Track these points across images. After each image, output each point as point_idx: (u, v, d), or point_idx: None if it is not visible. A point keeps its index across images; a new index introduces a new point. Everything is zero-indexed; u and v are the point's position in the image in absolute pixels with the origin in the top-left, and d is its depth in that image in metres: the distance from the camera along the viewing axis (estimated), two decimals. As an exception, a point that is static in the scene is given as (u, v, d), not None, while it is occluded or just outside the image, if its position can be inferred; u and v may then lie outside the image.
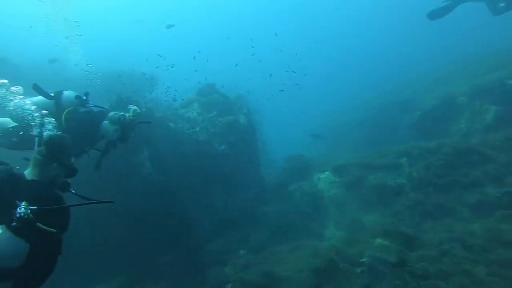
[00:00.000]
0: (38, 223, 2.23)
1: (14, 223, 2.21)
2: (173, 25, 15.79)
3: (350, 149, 12.73)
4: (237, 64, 15.49)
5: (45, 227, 2.25)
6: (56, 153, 2.58)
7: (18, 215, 2.23)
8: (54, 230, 2.27)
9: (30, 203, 2.26)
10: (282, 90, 14.92)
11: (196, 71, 12.75)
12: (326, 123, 18.51)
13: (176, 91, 10.71)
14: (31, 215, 2.22)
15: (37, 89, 4.70)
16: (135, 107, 5.09)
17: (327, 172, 9.90)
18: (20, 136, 4.52)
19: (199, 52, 14.96)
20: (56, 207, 2.34)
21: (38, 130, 4.37)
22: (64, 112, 4.57)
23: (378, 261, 5.92)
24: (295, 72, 16.49)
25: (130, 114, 4.95)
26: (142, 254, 6.79)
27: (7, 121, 4.82)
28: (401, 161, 8.94)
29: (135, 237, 6.72)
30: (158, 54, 13.57)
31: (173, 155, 8.39)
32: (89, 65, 7.61)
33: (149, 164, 7.66)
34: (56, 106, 4.62)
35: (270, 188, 10.09)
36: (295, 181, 9.89)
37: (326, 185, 9.45)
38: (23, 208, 2.25)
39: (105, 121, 4.91)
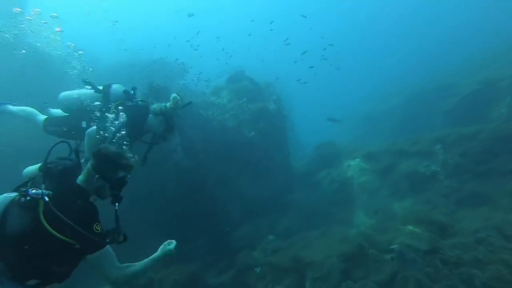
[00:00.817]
0: (42, 218, 2.35)
1: (23, 198, 2.42)
2: (193, 14, 15.90)
3: (382, 136, 12.40)
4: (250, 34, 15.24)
5: (46, 224, 2.34)
6: (100, 165, 2.65)
7: (31, 192, 2.43)
8: (54, 232, 2.33)
9: (62, 203, 2.41)
10: (306, 80, 14.70)
11: (226, 63, 12.78)
12: (359, 110, 18.10)
13: (206, 81, 10.84)
14: (41, 200, 2.39)
15: (87, 83, 4.92)
16: (175, 94, 5.10)
17: (357, 159, 9.74)
18: (70, 126, 4.81)
19: (218, 38, 14.96)
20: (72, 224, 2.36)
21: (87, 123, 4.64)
22: (112, 107, 4.66)
23: (408, 248, 5.81)
24: (326, 60, 16.20)
25: (170, 102, 4.97)
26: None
27: (59, 112, 5.14)
28: (435, 148, 8.62)
29: (167, 222, 6.98)
30: (187, 41, 13.81)
31: (203, 142, 8.56)
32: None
33: (181, 150, 7.87)
34: (104, 100, 4.75)
35: (298, 175, 10.10)
36: (324, 168, 9.81)
37: (356, 172, 9.31)
38: (39, 190, 2.44)
39: (150, 115, 4.92)
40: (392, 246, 6.10)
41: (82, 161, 3.27)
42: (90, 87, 4.90)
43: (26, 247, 2.37)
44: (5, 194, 2.53)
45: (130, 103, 4.79)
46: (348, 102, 21.74)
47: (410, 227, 6.61)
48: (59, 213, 2.35)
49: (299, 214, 8.14)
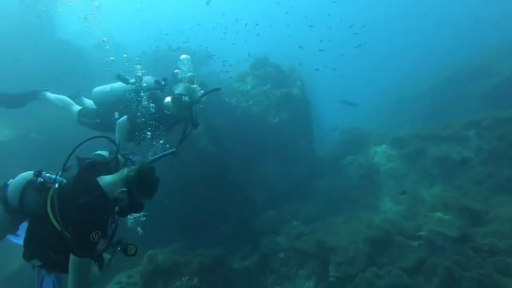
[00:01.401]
0: (49, 202, 2.43)
1: (39, 179, 2.53)
2: (210, 1, 15.76)
3: (411, 122, 11.99)
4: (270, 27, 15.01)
5: (51, 213, 2.41)
6: (135, 182, 2.59)
7: (44, 175, 2.56)
8: (53, 220, 2.39)
9: (72, 194, 2.46)
10: (334, 66, 14.37)
11: (249, 52, 12.66)
12: (388, 95, 17.55)
13: (230, 65, 10.83)
14: (53, 186, 2.47)
15: (120, 78, 4.96)
16: (190, 73, 4.99)
17: (384, 145, 9.48)
18: (103, 118, 4.94)
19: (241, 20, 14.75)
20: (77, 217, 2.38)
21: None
22: (144, 98, 4.69)
23: (437, 235, 5.65)
24: (361, 45, 15.77)
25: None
26: (198, 223, 7.18)
27: (91, 103, 5.29)
28: (469, 132, 8.23)
29: (192, 207, 7.11)
30: (216, 23, 13.80)
31: (227, 128, 8.61)
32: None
33: (205, 137, 7.95)
34: (136, 92, 4.78)
35: (323, 161, 9.97)
36: (350, 155, 9.61)
37: (383, 158, 9.07)
38: (53, 176, 2.57)
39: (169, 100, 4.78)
40: (420, 233, 5.95)
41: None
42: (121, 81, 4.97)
43: (33, 225, 2.54)
44: (28, 172, 2.64)
45: (161, 94, 4.77)
46: (377, 88, 21.12)
47: (439, 214, 6.41)
48: (61, 204, 2.42)
49: (324, 200, 8.07)
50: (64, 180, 2.55)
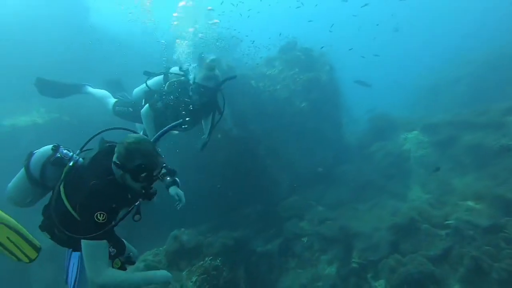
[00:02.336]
0: (62, 179, 2.47)
1: (56, 155, 2.60)
2: None
3: (445, 108, 11.45)
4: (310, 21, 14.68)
5: (63, 190, 2.44)
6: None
7: (61, 150, 2.61)
8: (63, 197, 2.42)
9: (84, 175, 2.44)
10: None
11: (280, 34, 12.44)
12: (423, 80, 16.79)
13: (257, 47, 10.76)
14: (69, 162, 2.51)
15: (147, 74, 5.08)
16: (213, 56, 4.95)
17: (415, 132, 9.14)
18: (135, 107, 5.04)
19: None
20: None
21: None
22: (166, 84, 4.73)
23: (466, 224, 5.45)
24: (398, 31, 15.17)
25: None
26: (223, 205, 7.31)
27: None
28: (508, 119, 7.76)
29: (217, 189, 7.24)
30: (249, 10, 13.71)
31: (253, 112, 8.62)
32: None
33: (230, 120, 8.02)
34: (164, 82, 4.85)
35: (350, 147, 9.79)
36: (378, 141, 9.35)
37: (413, 145, 8.76)
38: (70, 153, 2.60)
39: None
40: (448, 222, 5.76)
41: None
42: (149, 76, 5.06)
43: (50, 199, 2.59)
44: (49, 146, 2.71)
45: (184, 79, 4.75)
46: (412, 73, 20.24)
47: (470, 203, 6.16)
48: (73, 182, 2.44)
49: (350, 186, 7.95)
50: (81, 160, 2.56)
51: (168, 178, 3.40)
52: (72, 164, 2.52)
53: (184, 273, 5.26)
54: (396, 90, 18.50)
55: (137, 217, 2.72)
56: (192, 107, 4.64)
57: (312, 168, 8.61)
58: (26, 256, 2.88)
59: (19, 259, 2.85)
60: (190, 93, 4.58)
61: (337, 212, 7.01)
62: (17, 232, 2.83)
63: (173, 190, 3.39)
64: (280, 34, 11.97)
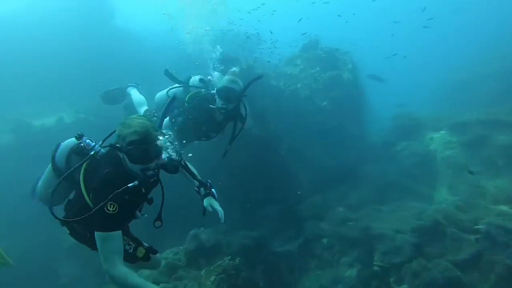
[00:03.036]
0: (83, 168, 2.48)
1: (80, 144, 2.63)
2: None
3: (474, 106, 10.95)
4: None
5: (82, 180, 2.45)
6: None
7: (84, 139, 2.63)
8: (82, 186, 2.43)
9: (101, 164, 2.45)
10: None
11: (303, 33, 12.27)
12: (451, 77, 16.14)
13: (276, 47, 10.68)
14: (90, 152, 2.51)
15: (167, 74, 4.92)
16: (234, 68, 4.63)
17: (442, 131, 8.78)
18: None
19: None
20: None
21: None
22: (187, 97, 4.51)
23: (498, 230, 5.16)
24: (427, 27, 14.67)
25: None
26: (243, 205, 7.28)
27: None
28: (544, 118, 7.34)
29: (237, 189, 7.22)
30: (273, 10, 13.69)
31: (274, 111, 8.55)
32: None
33: (250, 119, 7.97)
34: (184, 92, 4.67)
35: (374, 146, 9.53)
36: (403, 140, 9.06)
37: (440, 145, 8.42)
38: (93, 143, 2.62)
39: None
40: (478, 226, 5.48)
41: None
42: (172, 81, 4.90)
43: (74, 193, 2.62)
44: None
45: (204, 91, 4.51)
46: (439, 69, 19.49)
47: (503, 207, 5.87)
48: (90, 172, 2.45)
49: (373, 187, 7.74)
50: (102, 150, 2.55)
51: (202, 189, 3.12)
52: (94, 153, 2.51)
53: (203, 272, 5.26)
54: (423, 87, 17.90)
55: (157, 223, 2.76)
56: (213, 120, 4.45)
57: (334, 167, 8.45)
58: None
59: None
60: (216, 102, 4.30)
61: (359, 213, 6.83)
62: None
63: (206, 201, 3.07)
64: (303, 34, 11.82)
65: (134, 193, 2.40)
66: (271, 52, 11.25)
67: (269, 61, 10.64)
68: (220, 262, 5.41)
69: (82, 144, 2.64)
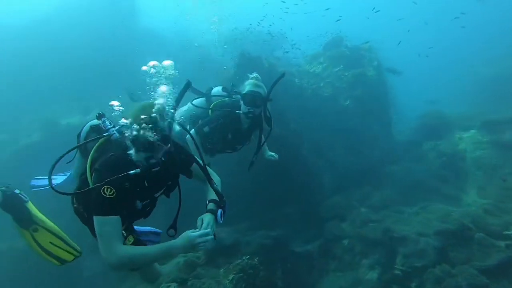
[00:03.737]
0: (94, 149, 2.46)
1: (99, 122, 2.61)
2: None
3: (508, 104, 10.40)
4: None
5: (90, 156, 2.43)
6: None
7: (103, 120, 2.58)
8: (88, 167, 2.39)
9: (109, 147, 2.41)
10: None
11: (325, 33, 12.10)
12: (483, 73, 15.41)
13: (299, 49, 10.61)
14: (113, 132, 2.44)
15: (189, 86, 4.92)
16: (255, 74, 4.40)
17: (472, 130, 8.41)
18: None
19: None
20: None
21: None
22: (211, 106, 4.42)
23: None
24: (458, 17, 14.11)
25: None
26: (263, 204, 7.28)
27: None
28: None
29: (258, 187, 7.23)
30: (286, 8, 13.60)
31: (296, 110, 8.49)
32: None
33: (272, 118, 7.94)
34: (207, 103, 4.61)
35: (399, 146, 9.27)
36: (430, 140, 8.76)
37: (470, 145, 8.08)
38: (109, 126, 2.50)
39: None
40: (508, 232, 5.22)
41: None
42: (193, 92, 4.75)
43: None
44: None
45: (229, 100, 4.41)
46: (473, 64, 18.62)
47: (536, 212, 5.54)
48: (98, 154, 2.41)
49: (397, 188, 7.53)
50: (117, 134, 2.41)
51: (212, 204, 2.66)
52: (107, 135, 2.45)
53: (221, 270, 5.30)
54: (453, 83, 17.21)
55: (171, 231, 2.67)
56: (239, 128, 4.31)
57: (357, 167, 8.28)
58: (70, 252, 3.09)
59: (61, 261, 3.03)
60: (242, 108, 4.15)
61: (381, 214, 6.67)
62: (57, 236, 3.01)
63: (206, 217, 2.54)
64: (326, 33, 11.66)
65: (135, 183, 2.28)
66: (294, 49, 11.20)
67: (294, 58, 10.59)
68: (239, 261, 5.44)
69: (100, 124, 2.59)
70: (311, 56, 10.62)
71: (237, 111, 4.16)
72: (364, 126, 8.85)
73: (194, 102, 4.66)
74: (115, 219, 2.19)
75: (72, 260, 3.18)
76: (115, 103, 2.80)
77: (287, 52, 10.54)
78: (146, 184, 2.40)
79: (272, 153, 4.87)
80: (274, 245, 6.12)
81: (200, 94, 4.72)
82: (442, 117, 9.39)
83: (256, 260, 5.43)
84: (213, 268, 5.48)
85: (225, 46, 9.39)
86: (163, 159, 2.26)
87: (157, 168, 2.26)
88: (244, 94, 4.13)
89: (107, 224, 2.17)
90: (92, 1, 9.99)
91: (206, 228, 2.36)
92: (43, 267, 6.03)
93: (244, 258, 5.44)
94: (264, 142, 4.57)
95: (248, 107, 4.08)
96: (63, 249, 3.13)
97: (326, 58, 10.01)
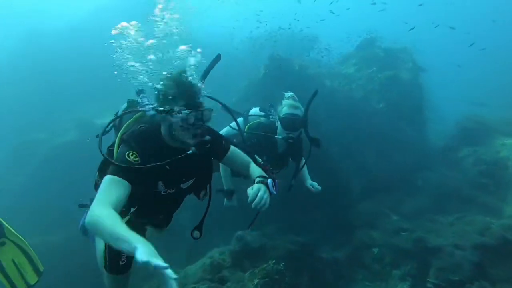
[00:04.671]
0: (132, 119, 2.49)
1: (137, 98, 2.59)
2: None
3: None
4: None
5: (122, 130, 2.43)
6: None
7: (142, 96, 2.53)
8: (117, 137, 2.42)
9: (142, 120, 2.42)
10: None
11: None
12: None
13: (327, 50, 10.43)
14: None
15: (227, 109, 4.73)
16: (290, 93, 4.18)
17: (517, 136, 7.91)
18: None
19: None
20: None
21: None
22: (246, 127, 4.23)
23: None
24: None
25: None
26: (290, 208, 7.19)
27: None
28: None
29: (286, 193, 7.13)
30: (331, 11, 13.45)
31: (326, 113, 8.32)
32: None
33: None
34: (245, 123, 4.45)
35: (434, 152, 8.86)
36: (468, 146, 8.29)
37: (513, 152, 7.59)
38: (147, 102, 2.41)
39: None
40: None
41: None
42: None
43: None
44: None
45: (266, 121, 4.24)
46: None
47: None
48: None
49: (431, 195, 7.21)
50: (152, 112, 2.32)
51: (258, 179, 2.56)
52: (142, 111, 2.42)
53: (246, 274, 5.29)
54: (498, 86, 16.31)
55: (196, 233, 2.66)
56: (275, 151, 4.14)
57: (388, 172, 8.00)
58: (26, 282, 2.98)
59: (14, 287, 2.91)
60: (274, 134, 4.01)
61: (414, 223, 6.40)
62: (23, 250, 2.95)
63: (255, 186, 2.44)
64: (360, 36, 11.38)
65: (158, 165, 2.21)
66: (325, 50, 11.02)
67: (324, 57, 10.38)
68: (265, 265, 5.40)
69: (138, 100, 2.57)
70: (343, 56, 10.42)
71: (275, 136, 4.00)
72: (397, 129, 8.55)
73: (232, 124, 4.38)
74: (122, 183, 2.06)
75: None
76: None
77: (320, 54, 10.39)
78: (168, 167, 2.28)
79: (314, 183, 4.50)
80: (301, 251, 6.00)
81: (237, 115, 4.42)
82: (482, 122, 8.88)
83: (282, 265, 5.37)
84: (238, 271, 5.46)
85: (255, 47, 9.38)
86: (197, 140, 2.24)
87: (189, 152, 2.22)
88: (282, 118, 3.96)
89: (112, 183, 2.05)
90: (126, 7, 10.32)
91: (255, 195, 2.27)
92: (72, 262, 6.28)
93: (270, 262, 5.39)
94: (303, 165, 4.41)
95: (287, 132, 3.93)
96: (21, 273, 3.02)
97: (359, 59, 9.78)
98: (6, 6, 15.68)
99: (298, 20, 12.46)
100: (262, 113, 4.41)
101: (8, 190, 8.23)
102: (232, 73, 8.91)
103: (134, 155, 2.14)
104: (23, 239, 3.09)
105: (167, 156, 2.23)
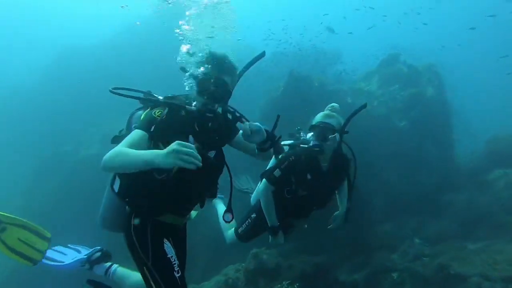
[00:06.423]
0: None
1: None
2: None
3: None
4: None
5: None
6: None
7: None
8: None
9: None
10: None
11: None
12: None
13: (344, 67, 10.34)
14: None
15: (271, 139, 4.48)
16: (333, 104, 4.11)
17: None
18: None
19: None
20: None
21: None
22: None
23: None
24: None
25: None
26: (309, 226, 7.04)
27: None
28: None
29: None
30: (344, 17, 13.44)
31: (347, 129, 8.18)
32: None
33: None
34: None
35: (461, 173, 8.47)
36: (499, 168, 7.89)
37: (548, 175, 7.15)
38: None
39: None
40: None
41: None
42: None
43: None
44: None
45: (298, 149, 3.98)
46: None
47: None
48: None
49: (457, 219, 6.87)
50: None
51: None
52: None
53: (260, 294, 5.21)
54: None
55: (227, 216, 2.72)
56: (319, 167, 3.89)
57: (411, 193, 7.71)
58: (38, 251, 3.10)
59: (32, 261, 3.04)
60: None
61: (437, 248, 6.10)
62: (25, 227, 3.03)
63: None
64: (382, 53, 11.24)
65: (185, 119, 2.43)
66: (347, 67, 10.94)
67: (344, 74, 10.26)
68: (279, 285, 5.31)
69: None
70: (365, 73, 10.28)
71: (309, 146, 3.75)
72: (421, 149, 8.26)
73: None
74: (144, 135, 2.31)
75: (42, 258, 3.19)
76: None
77: (341, 71, 10.31)
78: (196, 128, 2.48)
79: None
80: (317, 271, 5.85)
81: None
82: (513, 142, 8.47)
83: (296, 286, 5.26)
84: (253, 290, 5.39)
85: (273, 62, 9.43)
86: (219, 110, 2.45)
87: (211, 115, 2.37)
88: (312, 125, 3.72)
89: (135, 135, 2.31)
90: (157, 23, 10.72)
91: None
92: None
93: (284, 283, 5.30)
94: (352, 186, 4.18)
95: (318, 142, 3.62)
96: (31, 246, 3.12)
97: (381, 76, 9.61)
98: (44, 21, 16.78)
99: (321, 33, 12.53)
100: (292, 140, 4.06)
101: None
102: (253, 86, 8.95)
103: (159, 111, 2.36)
104: (19, 217, 3.19)
105: (192, 119, 2.45)
